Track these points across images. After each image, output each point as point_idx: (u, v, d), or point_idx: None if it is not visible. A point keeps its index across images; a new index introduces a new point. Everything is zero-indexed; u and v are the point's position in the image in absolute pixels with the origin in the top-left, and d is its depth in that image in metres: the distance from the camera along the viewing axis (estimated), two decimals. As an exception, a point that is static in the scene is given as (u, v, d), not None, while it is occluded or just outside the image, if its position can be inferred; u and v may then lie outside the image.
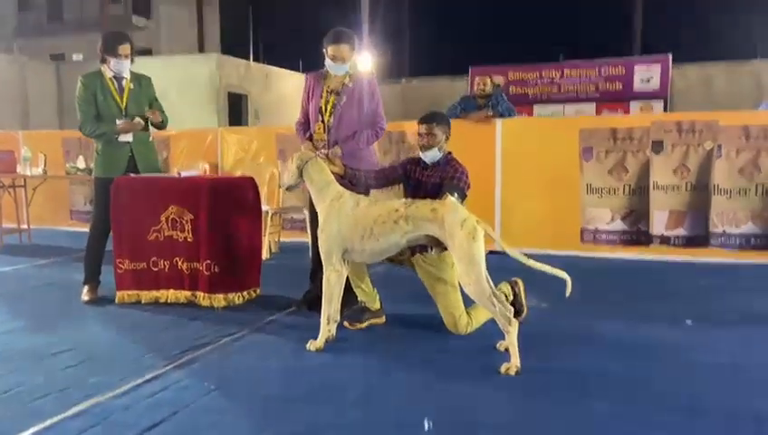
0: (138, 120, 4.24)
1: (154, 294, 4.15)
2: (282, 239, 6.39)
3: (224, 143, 7.13)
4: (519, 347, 2.88)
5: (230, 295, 4.10)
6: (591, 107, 17.81)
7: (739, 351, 3.20)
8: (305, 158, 3.38)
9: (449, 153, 3.62)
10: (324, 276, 3.26)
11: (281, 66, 18.91)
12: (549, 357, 3.06)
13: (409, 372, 2.93)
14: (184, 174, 4.26)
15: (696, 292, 4.53)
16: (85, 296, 4.28)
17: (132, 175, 4.23)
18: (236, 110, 16.76)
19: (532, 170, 5.91)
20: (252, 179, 4.39)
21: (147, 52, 26.76)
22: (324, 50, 3.84)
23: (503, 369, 2.85)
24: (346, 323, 3.58)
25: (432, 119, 3.56)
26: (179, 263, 4.10)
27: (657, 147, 5.59)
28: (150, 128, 4.41)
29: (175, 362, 3.05)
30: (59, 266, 5.57)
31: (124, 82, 4.29)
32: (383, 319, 3.68)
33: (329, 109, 3.86)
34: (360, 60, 20.59)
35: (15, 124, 14.63)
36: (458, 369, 2.97)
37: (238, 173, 6.30)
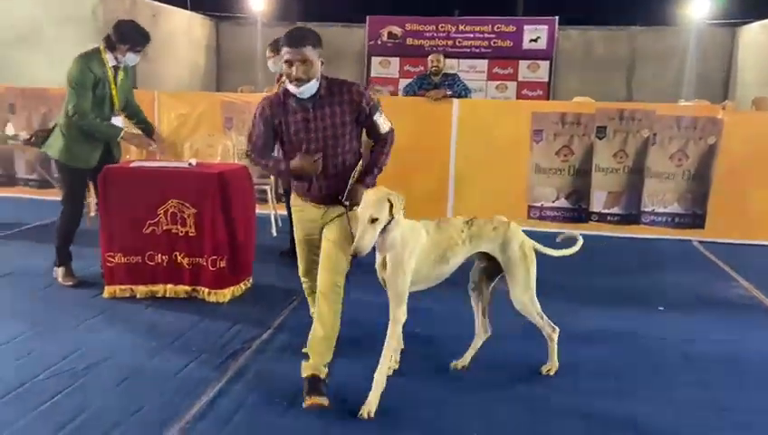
0: (149, 141, 4.14)
1: (150, 288, 4.00)
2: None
3: (161, 108, 6.71)
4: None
5: (233, 289, 4.04)
6: (484, 63, 18.49)
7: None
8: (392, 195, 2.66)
9: (326, 78, 2.82)
10: (393, 327, 2.75)
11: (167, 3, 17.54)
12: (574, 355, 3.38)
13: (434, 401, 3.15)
14: (193, 163, 4.09)
15: (640, 269, 5.14)
16: (67, 281, 4.16)
17: (125, 165, 3.97)
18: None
19: (485, 148, 6.18)
20: (246, 168, 4.28)
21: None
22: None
23: (543, 370, 3.16)
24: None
25: (302, 40, 2.68)
26: (179, 257, 3.95)
27: (601, 132, 6.08)
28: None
29: (226, 376, 3.02)
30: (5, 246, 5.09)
31: (119, 72, 3.99)
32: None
33: None
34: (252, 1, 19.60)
35: None
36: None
37: (188, 144, 6.00)
